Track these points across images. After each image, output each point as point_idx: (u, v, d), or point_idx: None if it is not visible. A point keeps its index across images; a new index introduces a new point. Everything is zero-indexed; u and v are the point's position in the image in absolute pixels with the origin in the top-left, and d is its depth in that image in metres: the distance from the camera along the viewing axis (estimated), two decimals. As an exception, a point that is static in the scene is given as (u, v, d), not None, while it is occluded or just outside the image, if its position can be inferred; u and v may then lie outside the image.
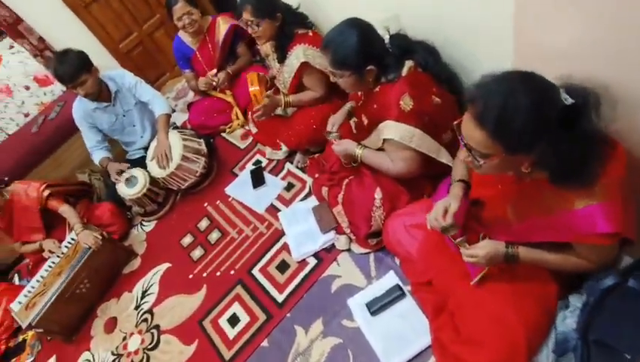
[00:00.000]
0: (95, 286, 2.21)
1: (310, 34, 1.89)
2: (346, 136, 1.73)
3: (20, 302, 2.11)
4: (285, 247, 1.95)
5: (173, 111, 2.79)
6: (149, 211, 2.46)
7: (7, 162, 2.59)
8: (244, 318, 1.81)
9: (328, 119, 1.83)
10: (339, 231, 1.81)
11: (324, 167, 1.96)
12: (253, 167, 2.40)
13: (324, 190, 1.89)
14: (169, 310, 2.04)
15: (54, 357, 2.16)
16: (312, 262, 1.83)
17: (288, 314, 1.73)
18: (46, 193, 2.22)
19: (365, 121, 1.56)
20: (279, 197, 2.18)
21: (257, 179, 2.30)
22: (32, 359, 2.22)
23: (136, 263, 2.35)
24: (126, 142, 2.59)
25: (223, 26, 2.54)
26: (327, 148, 1.96)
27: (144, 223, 2.52)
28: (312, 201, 2.00)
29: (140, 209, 2.44)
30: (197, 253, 2.20)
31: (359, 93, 1.62)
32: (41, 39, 2.95)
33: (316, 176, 2.02)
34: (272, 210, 2.15)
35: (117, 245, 2.32)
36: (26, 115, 2.95)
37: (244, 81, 2.58)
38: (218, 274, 2.04)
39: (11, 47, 2.85)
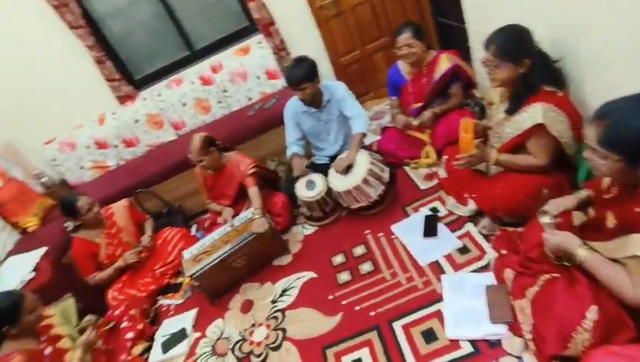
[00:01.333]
0: (247, 265, 2.37)
1: (560, 94, 1.60)
2: (563, 226, 1.39)
3: (191, 252, 2.42)
4: (438, 315, 1.70)
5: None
6: (314, 216, 2.53)
7: (223, 132, 3.02)
8: (368, 369, 1.65)
9: (543, 195, 1.52)
10: (513, 328, 1.48)
11: (518, 246, 1.64)
12: (429, 213, 2.21)
13: (509, 273, 1.58)
14: (300, 320, 2.02)
15: (197, 309, 2.38)
16: (467, 348, 1.54)
17: (418, 394, 1.49)
18: (251, 171, 2.49)
19: (612, 222, 1.20)
20: (448, 257, 1.94)
21: (430, 228, 2.10)
22: (181, 301, 2.51)
23: (286, 259, 2.43)
24: (316, 147, 2.74)
25: (444, 63, 2.45)
26: (528, 227, 1.63)
27: (306, 226, 2.60)
28: (488, 279, 1.70)
29: (308, 212, 2.52)
30: (344, 276, 2.13)
31: (606, 183, 1.27)
32: (282, 41, 3.39)
33: (503, 252, 1.72)
34: (436, 267, 1.92)
35: (278, 236, 2.44)
36: (249, 99, 3.42)
37: (448, 122, 2.44)
38: (357, 308, 1.92)
39: (260, 42, 3.34)
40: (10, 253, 2.76)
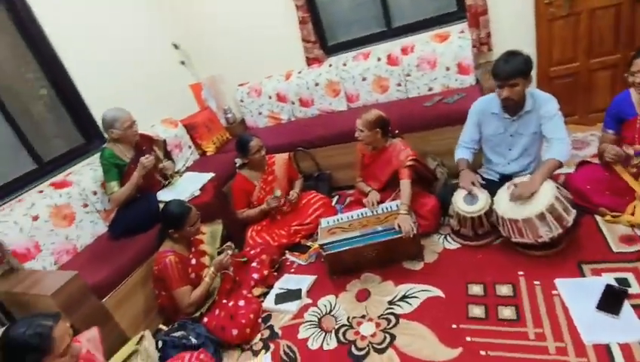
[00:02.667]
0: (377, 258, 2.28)
1: None
2: None
3: (328, 222, 2.45)
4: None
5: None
6: (462, 233, 2.26)
7: (394, 116, 2.87)
8: None
9: None
10: None
11: None
12: (614, 284, 1.73)
13: None
14: (413, 334, 1.86)
15: (316, 276, 2.43)
16: None
17: None
18: (409, 163, 2.36)
19: None
20: (625, 347, 1.49)
21: (610, 302, 1.65)
22: (305, 263, 2.60)
23: (417, 266, 2.26)
24: (489, 159, 2.41)
25: None
26: None
27: (449, 239, 2.36)
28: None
29: (457, 225, 2.27)
30: (476, 310, 1.86)
31: None
32: (488, 35, 3.04)
33: None
34: (603, 352, 1.50)
35: (416, 239, 2.27)
36: (429, 89, 3.21)
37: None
38: (483, 353, 1.66)
39: (462, 31, 3.06)
40: (188, 169, 3.26)
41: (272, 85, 3.75)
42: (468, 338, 1.74)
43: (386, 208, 2.37)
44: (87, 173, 2.72)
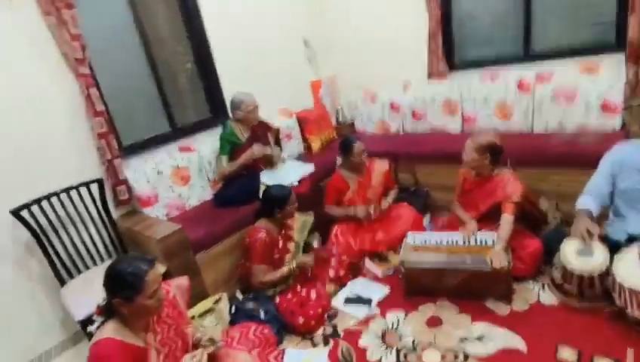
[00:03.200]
0: (458, 288, 2.14)
1: None
2: None
3: (414, 239, 2.37)
4: None
5: None
6: (565, 288, 2.00)
7: (514, 146, 2.70)
8: None
9: None
10: None
11: None
12: None
13: None
14: (481, 380, 1.71)
15: (389, 288, 2.37)
16: None
17: None
18: (515, 199, 2.16)
19: None
20: None
21: None
22: (381, 274, 2.55)
23: (502, 309, 2.06)
24: (621, 214, 2.04)
25: None
26: None
27: (548, 290, 2.11)
28: None
29: (560, 278, 2.01)
30: (563, 378, 1.63)
31: None
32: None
33: None
34: None
35: (508, 280, 2.07)
36: (560, 125, 2.89)
37: None
38: None
39: (616, 65, 2.69)
40: (291, 158, 3.43)
41: (388, 94, 3.75)
42: (545, 405, 1.54)
43: (481, 240, 2.21)
44: (207, 143, 3.05)
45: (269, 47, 3.65)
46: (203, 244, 2.43)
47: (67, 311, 2.25)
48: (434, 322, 2.08)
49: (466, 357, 1.83)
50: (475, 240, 2.23)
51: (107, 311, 1.52)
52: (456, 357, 1.84)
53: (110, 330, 1.48)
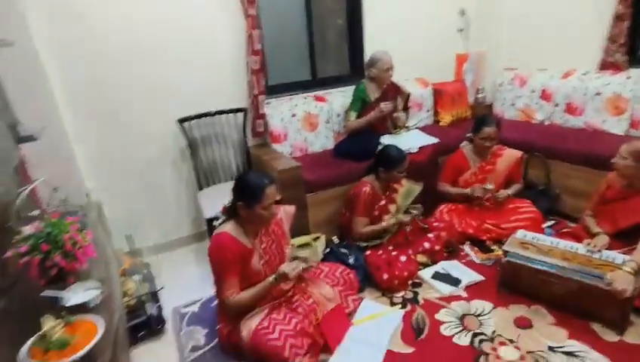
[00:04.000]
0: (562, 298, 1.95)
1: None
2: None
3: (525, 235, 2.21)
4: None
5: None
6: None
7: None
8: None
9: None
10: None
11: None
12: None
13: None
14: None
15: (482, 278, 2.28)
16: None
17: None
18: None
19: None
20: None
21: None
22: (478, 261, 2.45)
23: (609, 336, 1.83)
24: None
25: None
26: None
27: (676, 335, 1.78)
28: None
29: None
30: None
31: None
32: None
33: None
34: None
35: (626, 308, 1.81)
36: None
37: None
38: None
39: None
40: (417, 128, 3.39)
41: (542, 79, 3.37)
42: None
43: (607, 256, 1.94)
44: (339, 97, 3.21)
45: (423, 12, 3.56)
46: (314, 186, 2.65)
47: (199, 211, 2.75)
48: (523, 323, 1.96)
49: (550, 367, 1.71)
50: (602, 255, 1.97)
51: (230, 212, 1.85)
52: (536, 361, 1.73)
53: (229, 227, 1.81)
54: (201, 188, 2.82)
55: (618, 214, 2.11)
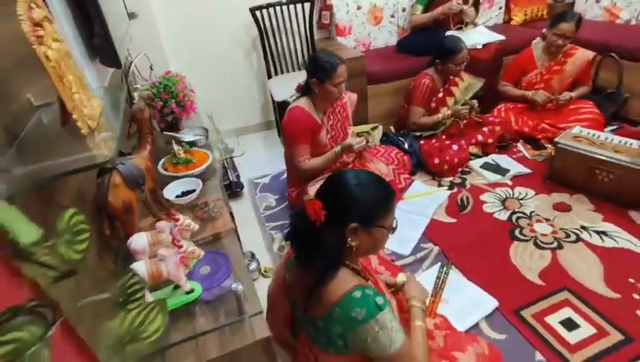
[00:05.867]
0: (606, 187, 2.07)
1: None
2: None
3: (580, 131, 2.27)
4: None
5: None
6: None
7: None
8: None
9: None
10: None
11: None
12: None
13: None
14: (581, 258, 1.80)
15: (529, 171, 2.42)
16: None
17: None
18: None
19: None
20: None
21: None
22: (530, 157, 2.56)
23: (645, 223, 1.97)
24: None
25: None
26: None
27: None
28: None
29: None
30: (673, 289, 1.62)
31: None
32: None
33: None
34: None
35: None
36: None
37: None
38: (638, 312, 1.53)
39: None
40: (485, 25, 3.27)
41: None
42: (635, 296, 1.60)
43: (661, 151, 2.00)
44: (408, -9, 3.15)
45: None
46: (376, 78, 2.79)
47: (268, 100, 3.02)
48: (562, 207, 2.13)
49: (578, 239, 1.91)
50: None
51: (304, 89, 2.08)
52: (568, 235, 1.93)
53: (303, 103, 2.06)
54: (269, 76, 3.06)
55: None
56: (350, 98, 2.31)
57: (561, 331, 1.50)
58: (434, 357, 1.20)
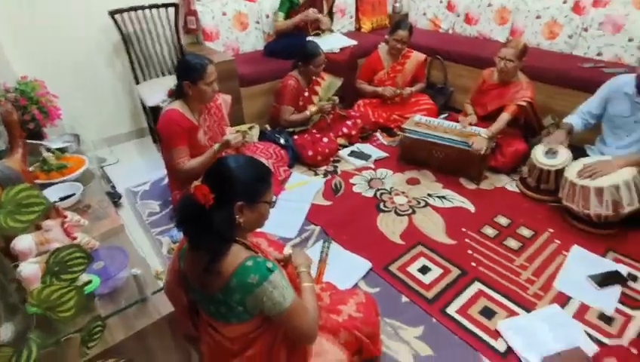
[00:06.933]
0: (441, 161, 2.60)
1: None
2: None
3: (419, 118, 2.78)
4: (511, 313, 1.66)
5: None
6: (527, 181, 2.41)
7: (544, 64, 2.89)
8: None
9: None
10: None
11: None
12: (623, 273, 1.83)
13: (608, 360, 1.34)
14: (429, 219, 2.25)
15: (387, 154, 2.87)
16: (501, 347, 1.54)
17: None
18: (520, 102, 2.50)
19: None
20: (584, 306, 1.69)
21: (604, 279, 1.79)
22: (386, 143, 3.03)
23: (469, 185, 2.53)
24: (603, 138, 2.35)
25: None
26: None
27: (514, 183, 2.54)
28: (586, 344, 1.48)
29: (527, 173, 2.41)
30: (489, 231, 2.15)
31: None
32: None
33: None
34: (562, 298, 1.73)
35: (483, 165, 2.51)
36: (598, 54, 2.98)
37: None
38: (469, 251, 2.01)
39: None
40: (340, 32, 3.71)
41: (448, -9, 3.80)
42: (466, 240, 2.09)
43: (474, 129, 2.58)
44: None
45: None
46: (247, 81, 2.94)
47: (137, 107, 2.92)
48: (413, 181, 2.60)
49: (426, 205, 2.36)
50: (470, 128, 2.60)
51: (176, 93, 2.10)
52: (418, 202, 2.38)
53: (176, 105, 2.07)
54: (137, 82, 2.95)
55: (487, 100, 2.73)
56: (224, 99, 2.41)
57: (419, 276, 1.88)
58: (323, 313, 1.41)
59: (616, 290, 1.75)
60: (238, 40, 3.29)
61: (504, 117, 2.50)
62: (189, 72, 1.98)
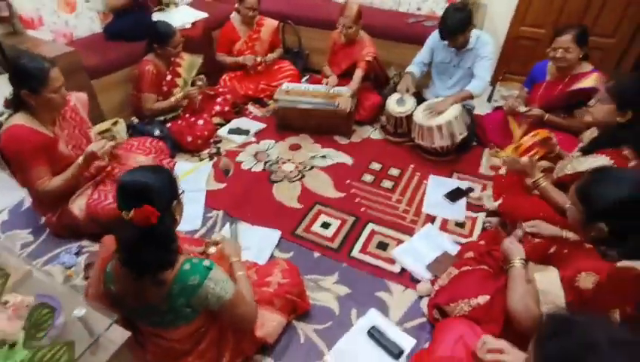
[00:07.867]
0: (316, 124, 2.85)
1: (632, 163, 1.62)
2: (529, 244, 1.59)
3: (288, 86, 2.95)
4: (399, 241, 2.07)
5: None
6: (387, 128, 2.85)
7: (377, 22, 3.27)
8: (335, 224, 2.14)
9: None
10: (432, 281, 1.80)
11: (494, 244, 1.83)
12: (463, 188, 2.41)
13: (469, 254, 1.80)
14: (318, 179, 2.51)
15: (265, 125, 2.99)
16: (396, 269, 1.93)
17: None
18: (368, 58, 2.83)
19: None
20: (444, 221, 2.20)
21: (454, 195, 2.34)
22: (260, 114, 3.14)
23: (343, 141, 2.86)
24: (433, 82, 2.88)
25: (590, 82, 2.27)
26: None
27: (377, 132, 2.95)
28: (453, 249, 1.98)
29: (385, 121, 2.85)
30: (368, 177, 2.53)
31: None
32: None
33: (481, 242, 1.93)
34: (430, 219, 2.21)
35: (350, 121, 2.86)
36: (418, 9, 3.53)
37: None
38: (357, 200, 2.35)
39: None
40: (185, 4, 3.52)
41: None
42: (352, 191, 2.42)
43: (338, 90, 2.87)
44: (92, -29, 2.97)
45: None
46: (97, 72, 2.64)
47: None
48: (295, 147, 2.80)
49: (312, 167, 2.61)
50: (335, 90, 2.88)
51: (15, 103, 1.77)
52: (305, 167, 2.61)
53: (20, 119, 1.75)
54: (-54, 92, 2.38)
55: (340, 60, 3.03)
56: (79, 99, 2.17)
57: (322, 232, 2.15)
58: (255, 288, 1.56)
59: (463, 202, 2.31)
60: (69, 24, 2.86)
61: (358, 73, 2.84)
62: (26, 79, 1.65)
